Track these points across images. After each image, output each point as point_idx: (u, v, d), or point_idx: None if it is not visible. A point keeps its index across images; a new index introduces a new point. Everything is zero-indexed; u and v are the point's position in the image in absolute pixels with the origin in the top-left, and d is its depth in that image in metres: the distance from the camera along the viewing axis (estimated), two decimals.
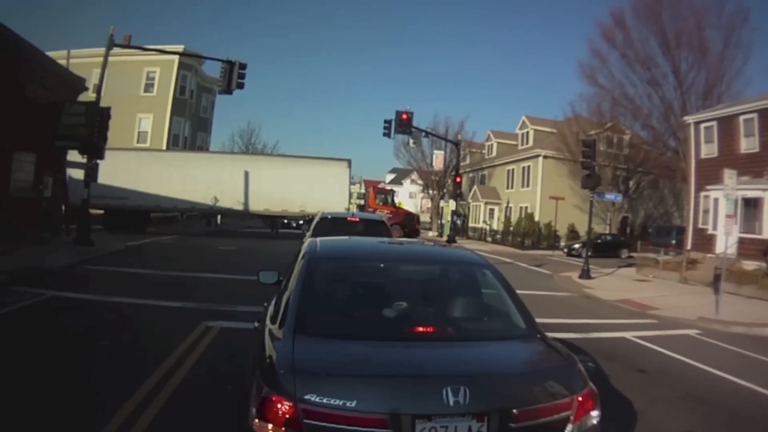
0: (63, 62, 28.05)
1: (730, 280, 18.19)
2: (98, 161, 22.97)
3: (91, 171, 22.68)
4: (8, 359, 7.38)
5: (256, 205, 36.41)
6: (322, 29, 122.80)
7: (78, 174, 33.55)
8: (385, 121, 34.98)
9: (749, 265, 21.58)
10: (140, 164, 35.44)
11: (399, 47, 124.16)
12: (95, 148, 22.35)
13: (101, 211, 35.78)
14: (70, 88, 24.78)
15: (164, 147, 43.21)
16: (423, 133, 45.95)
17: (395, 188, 75.23)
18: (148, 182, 34.62)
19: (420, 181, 68.65)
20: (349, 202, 40.27)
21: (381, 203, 43.43)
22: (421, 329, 4.18)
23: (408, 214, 44.44)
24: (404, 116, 33.93)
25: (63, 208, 25.84)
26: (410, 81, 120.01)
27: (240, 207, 36.86)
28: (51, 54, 25.60)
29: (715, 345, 11.87)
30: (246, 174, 36.29)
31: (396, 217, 40.21)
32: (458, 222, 49.55)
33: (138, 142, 43.78)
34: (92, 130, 21.71)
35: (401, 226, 39.15)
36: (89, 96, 26.33)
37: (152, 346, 8.32)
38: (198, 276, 16.57)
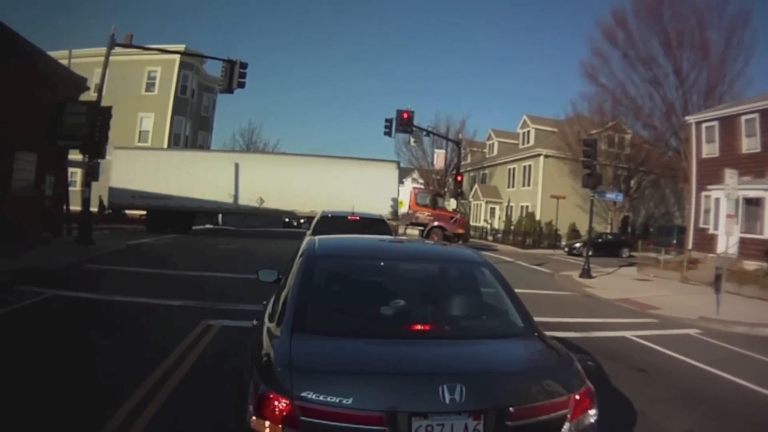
0: (64, 62, 28.05)
1: (731, 279, 18.20)
2: (99, 160, 23.05)
3: (92, 170, 22.70)
4: (11, 358, 7.40)
5: (303, 207, 35.69)
6: (321, 27, 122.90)
7: (119, 181, 34.11)
8: (386, 120, 34.84)
9: (750, 265, 21.56)
10: (183, 164, 35.40)
11: (400, 46, 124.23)
12: (96, 148, 22.37)
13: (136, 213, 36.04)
14: (71, 88, 24.78)
15: (165, 146, 43.07)
16: (424, 132, 45.77)
17: None
18: (191, 183, 34.46)
19: (421, 180, 68.58)
20: (398, 205, 38.25)
21: (422, 205, 37.88)
22: (418, 327, 4.19)
23: (450, 216, 38.16)
24: (405, 115, 33.78)
25: (65, 207, 25.85)
26: (411, 79, 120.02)
27: (287, 209, 36.66)
28: (52, 54, 25.60)
29: (716, 345, 11.87)
30: (292, 176, 35.51)
31: (437, 220, 36.59)
32: None
33: (139, 141, 43.74)
34: (93, 129, 21.75)
35: (442, 229, 35.91)
36: (91, 95, 26.33)
37: (153, 345, 8.33)
38: (198, 275, 16.59)
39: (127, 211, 36.52)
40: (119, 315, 10.55)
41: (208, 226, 44.74)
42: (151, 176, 34.18)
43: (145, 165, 34.73)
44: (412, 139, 43.29)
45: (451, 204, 46.02)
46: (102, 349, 8.05)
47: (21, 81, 19.16)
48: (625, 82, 39.62)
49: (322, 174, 35.44)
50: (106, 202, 35.74)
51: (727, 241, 17.11)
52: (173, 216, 34.85)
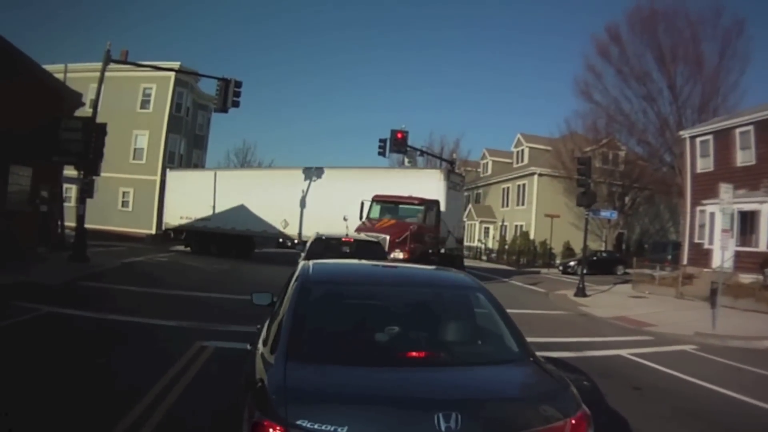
0: (60, 76, 28.05)
1: (727, 293, 18.18)
2: (95, 177, 23.04)
3: (87, 187, 22.67)
4: (2, 373, 7.32)
5: (331, 230, 24.65)
6: (314, 42, 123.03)
7: (171, 202, 34.02)
8: (380, 141, 34.45)
9: (746, 278, 21.56)
10: (225, 183, 34.09)
11: (394, 64, 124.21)
12: (91, 164, 22.33)
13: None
14: (67, 103, 24.73)
15: (159, 164, 42.79)
16: (418, 152, 45.58)
17: None
18: (225, 201, 32.96)
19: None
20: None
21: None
22: (413, 354, 4.16)
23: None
24: (399, 135, 33.37)
25: (59, 223, 25.76)
26: (405, 98, 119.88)
27: (311, 232, 28.04)
28: (48, 68, 25.55)
29: (712, 360, 11.87)
30: (317, 192, 30.61)
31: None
32: None
33: (134, 159, 43.60)
34: (88, 146, 21.70)
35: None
36: (86, 111, 26.30)
37: (146, 366, 8.27)
38: (192, 295, 16.54)
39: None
40: (113, 334, 10.48)
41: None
42: (198, 197, 33.48)
43: (193, 186, 34.29)
44: (406, 159, 43.11)
45: None
46: (96, 369, 7.97)
47: (17, 94, 19.11)
48: (619, 98, 39.75)
49: (352, 187, 27.80)
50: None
51: (723, 255, 17.11)
52: (213, 238, 33.59)
